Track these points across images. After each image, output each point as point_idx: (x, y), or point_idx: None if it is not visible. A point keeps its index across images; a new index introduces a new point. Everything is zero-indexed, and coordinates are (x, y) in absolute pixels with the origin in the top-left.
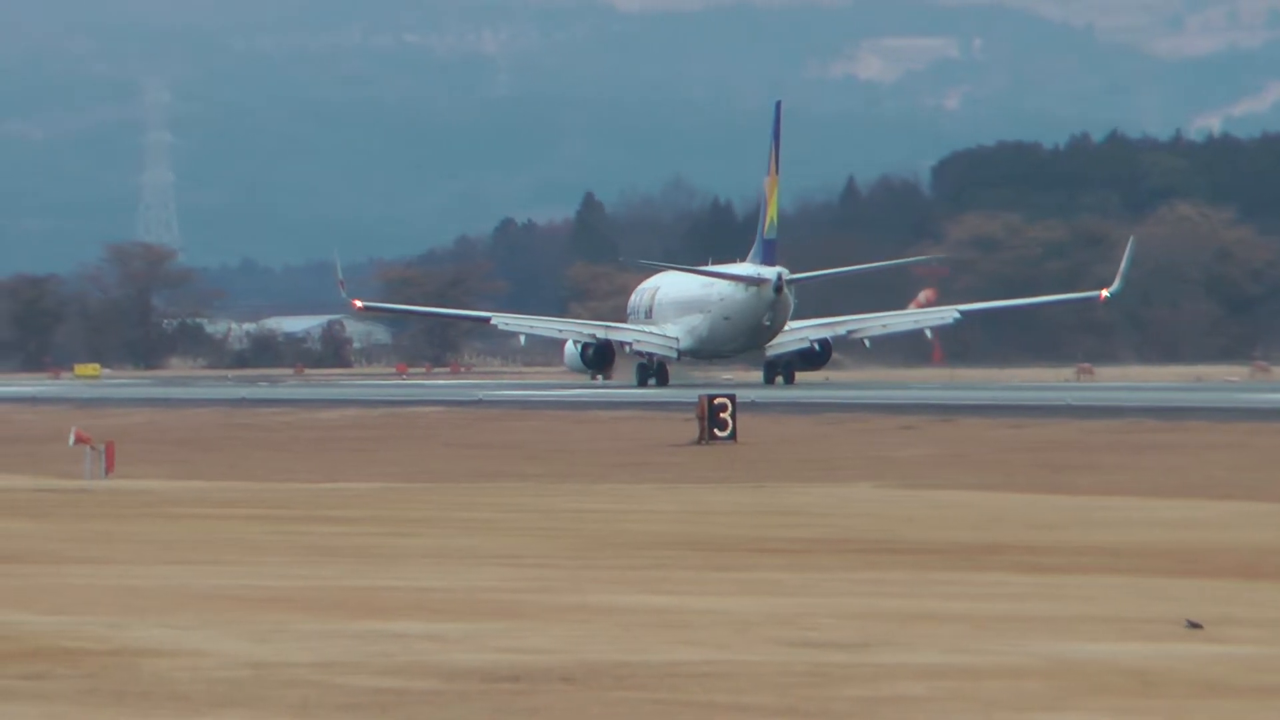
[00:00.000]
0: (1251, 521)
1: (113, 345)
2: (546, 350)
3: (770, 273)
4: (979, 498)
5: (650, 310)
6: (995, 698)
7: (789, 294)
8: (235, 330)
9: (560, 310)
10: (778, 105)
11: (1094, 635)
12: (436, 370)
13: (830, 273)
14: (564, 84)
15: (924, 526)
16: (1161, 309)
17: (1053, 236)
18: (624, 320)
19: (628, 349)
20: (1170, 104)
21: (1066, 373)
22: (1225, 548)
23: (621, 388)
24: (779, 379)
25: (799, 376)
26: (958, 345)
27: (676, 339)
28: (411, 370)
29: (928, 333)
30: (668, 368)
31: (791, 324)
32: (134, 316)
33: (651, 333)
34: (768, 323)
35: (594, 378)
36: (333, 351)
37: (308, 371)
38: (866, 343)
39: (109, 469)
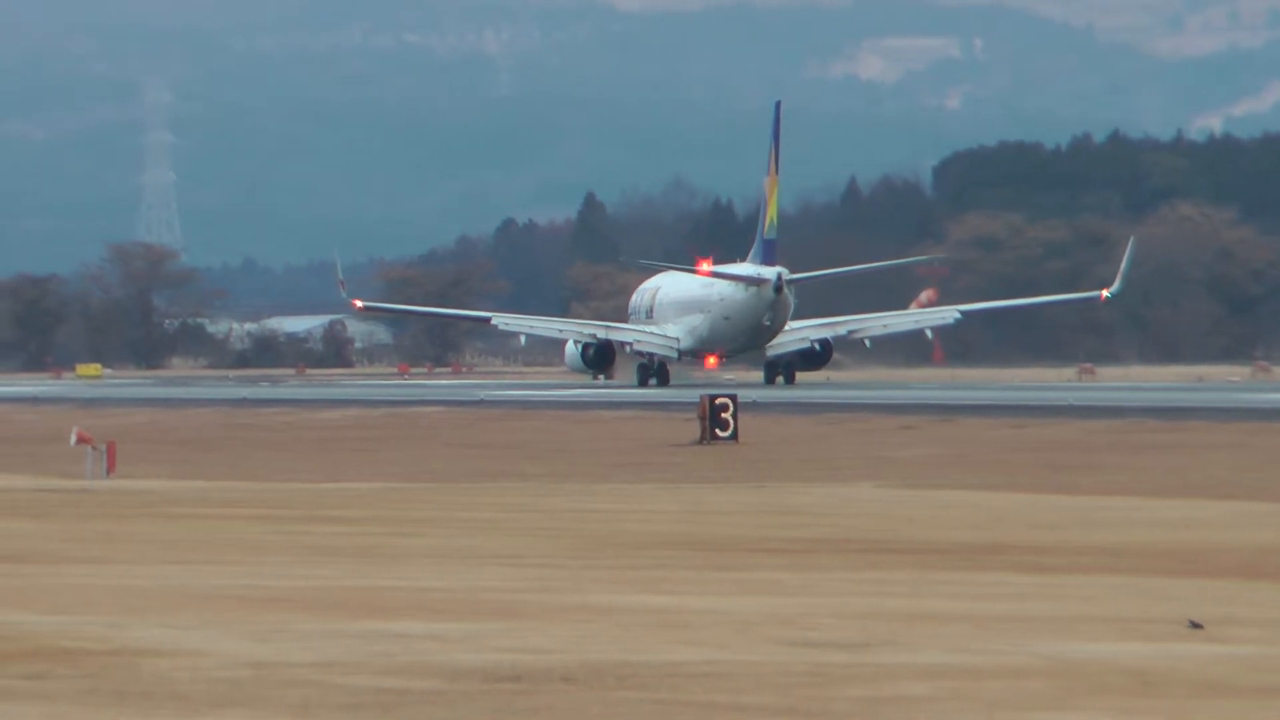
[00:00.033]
0: (1252, 521)
1: (114, 345)
2: (547, 350)
3: (770, 273)
4: (980, 498)
5: (651, 310)
6: (997, 698)
7: (789, 294)
8: (236, 330)
9: (562, 310)
10: (777, 105)
11: (1095, 635)
12: (438, 370)
13: (830, 273)
14: (565, 84)
15: (925, 526)
16: (1163, 309)
17: (1054, 236)
18: (625, 320)
19: (628, 349)
20: (1171, 104)
21: (1068, 373)
22: (1226, 548)
23: (622, 388)
24: (779, 379)
25: (799, 376)
26: (959, 345)
27: (677, 339)
28: (413, 370)
29: (928, 333)
30: (668, 368)
31: (792, 324)
32: (135, 316)
33: (652, 333)
34: (768, 323)
35: (595, 377)
36: (334, 351)
37: (309, 371)
38: (867, 343)
39: (110, 469)
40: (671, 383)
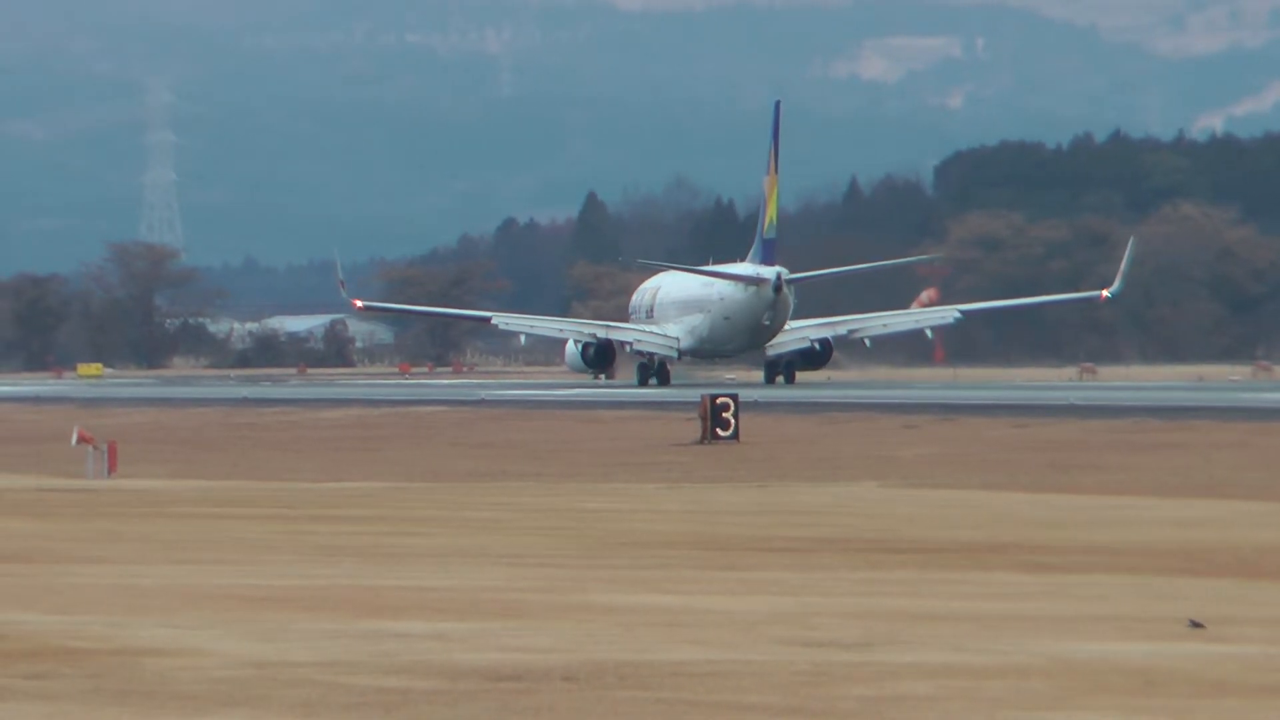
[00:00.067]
0: (1254, 521)
1: (115, 345)
2: (548, 350)
3: (769, 272)
4: (982, 497)
5: (651, 310)
6: (999, 697)
7: (788, 293)
8: (238, 330)
9: (563, 310)
10: (777, 105)
11: (1097, 634)
12: (439, 370)
13: (829, 272)
14: (567, 84)
15: (927, 526)
16: (1164, 309)
17: (1055, 236)
18: (627, 320)
19: (628, 349)
20: (1173, 104)
21: (1069, 372)
22: (1228, 547)
23: (623, 387)
24: (780, 378)
25: (800, 376)
26: (960, 344)
27: (677, 339)
28: (414, 370)
29: (928, 332)
30: (669, 367)
31: (792, 323)
32: (137, 316)
33: (652, 332)
34: (767, 322)
35: (596, 377)
36: (335, 351)
37: (310, 371)
38: (867, 342)
39: (112, 468)
40: (672, 382)
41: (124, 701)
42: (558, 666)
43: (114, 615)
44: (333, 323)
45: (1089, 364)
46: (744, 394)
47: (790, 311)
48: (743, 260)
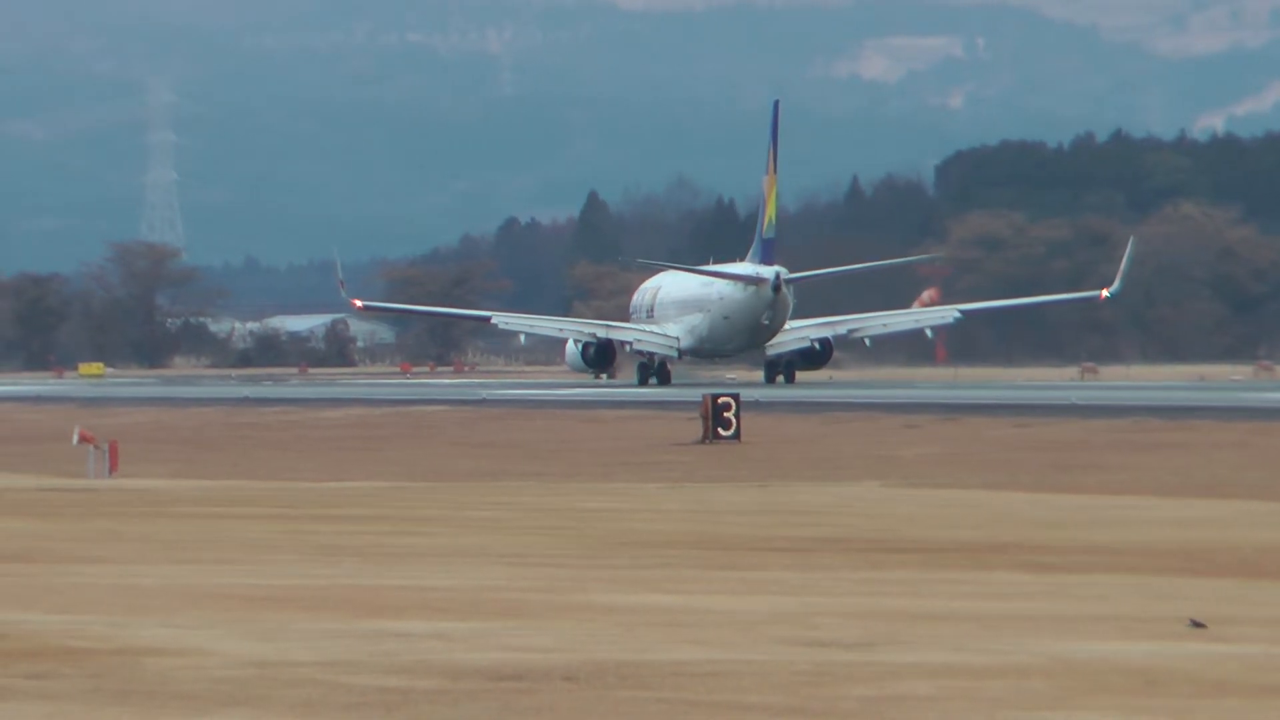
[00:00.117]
0: (1255, 521)
1: (117, 344)
2: (549, 349)
3: (768, 272)
4: (983, 497)
5: (652, 309)
6: (1000, 697)
7: (787, 293)
8: (239, 329)
9: (565, 309)
10: (776, 105)
11: (1098, 634)
12: (440, 369)
13: (828, 272)
14: (568, 83)
15: (928, 525)
16: (1165, 308)
17: (1057, 236)
18: (628, 319)
19: (628, 348)
20: (1174, 103)
21: (1071, 372)
22: (1229, 547)
23: (624, 387)
24: (780, 378)
25: (800, 376)
26: (961, 344)
27: (677, 338)
28: (415, 369)
29: (928, 332)
30: (669, 367)
31: (792, 323)
32: (138, 315)
33: (652, 332)
34: (766, 322)
35: (598, 376)
36: (336, 350)
37: (311, 370)
38: (867, 342)
39: (113, 468)
40: (673, 382)
41: (125, 701)
42: (559, 666)
43: (115, 615)
44: (334, 322)
45: (1090, 364)
46: (745, 394)
47: (790, 311)
48: (742, 260)
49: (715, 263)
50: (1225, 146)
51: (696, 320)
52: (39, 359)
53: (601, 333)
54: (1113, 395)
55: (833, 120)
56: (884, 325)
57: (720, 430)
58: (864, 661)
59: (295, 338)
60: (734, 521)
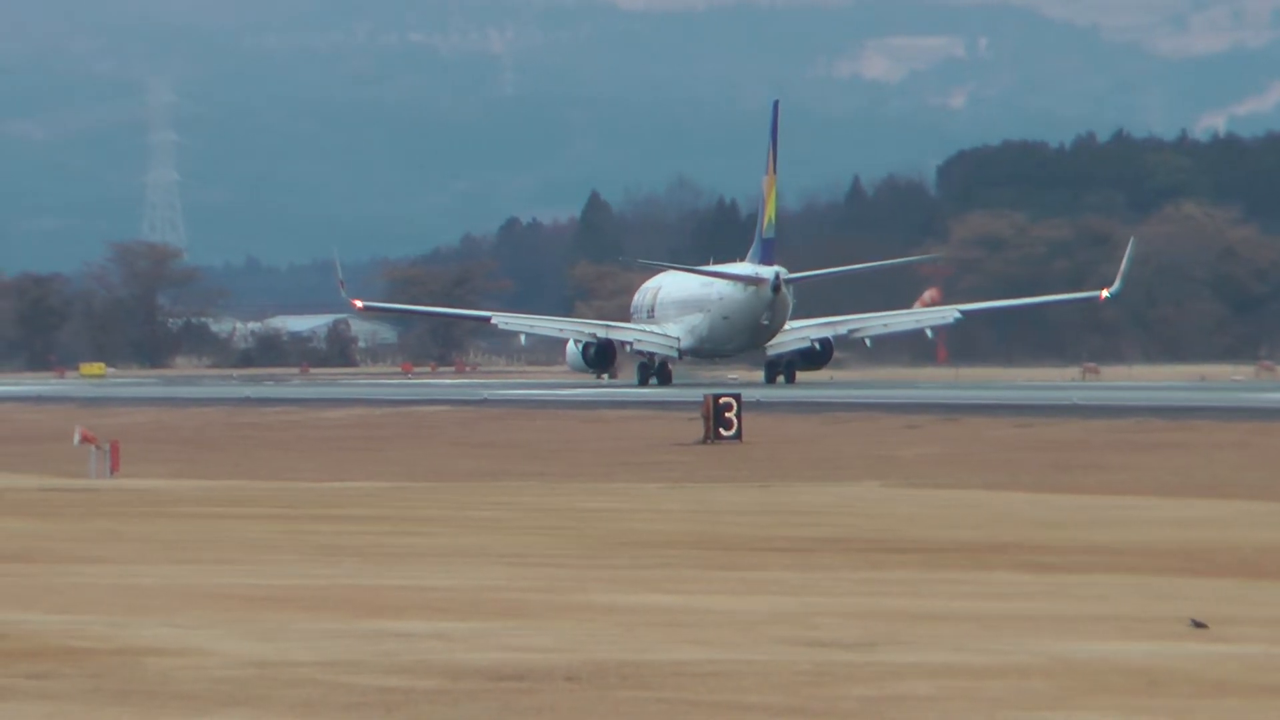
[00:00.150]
0: (1256, 521)
1: (118, 344)
2: (550, 349)
3: (768, 272)
4: (984, 497)
5: (652, 310)
6: (1000, 696)
7: (787, 293)
8: (240, 329)
9: (566, 309)
10: (775, 105)
11: (1098, 634)
12: (441, 369)
13: (827, 272)
14: (569, 83)
15: (928, 525)
16: (1166, 308)
17: (1058, 236)
18: (629, 320)
19: (628, 348)
20: (1175, 103)
21: (1072, 372)
22: (1230, 547)
23: (624, 387)
24: (780, 378)
25: (801, 376)
26: (963, 344)
27: (678, 338)
28: (416, 369)
29: (929, 332)
30: (669, 367)
31: (792, 323)
32: (139, 315)
33: (652, 332)
34: (766, 322)
35: (599, 376)
36: (338, 350)
37: (313, 371)
38: (867, 342)
39: (114, 468)
40: (674, 382)
41: (125, 701)
42: (559, 666)
43: (115, 615)
44: (335, 322)
45: (1092, 364)
46: (745, 394)
47: (789, 311)
48: (742, 260)
49: (715, 263)
50: (1226, 146)
51: (697, 320)
52: (40, 359)
53: (601, 333)
54: (1113, 395)
55: (833, 120)
56: (884, 325)
57: (722, 430)
58: (864, 661)
59: (297, 338)
60: (734, 521)
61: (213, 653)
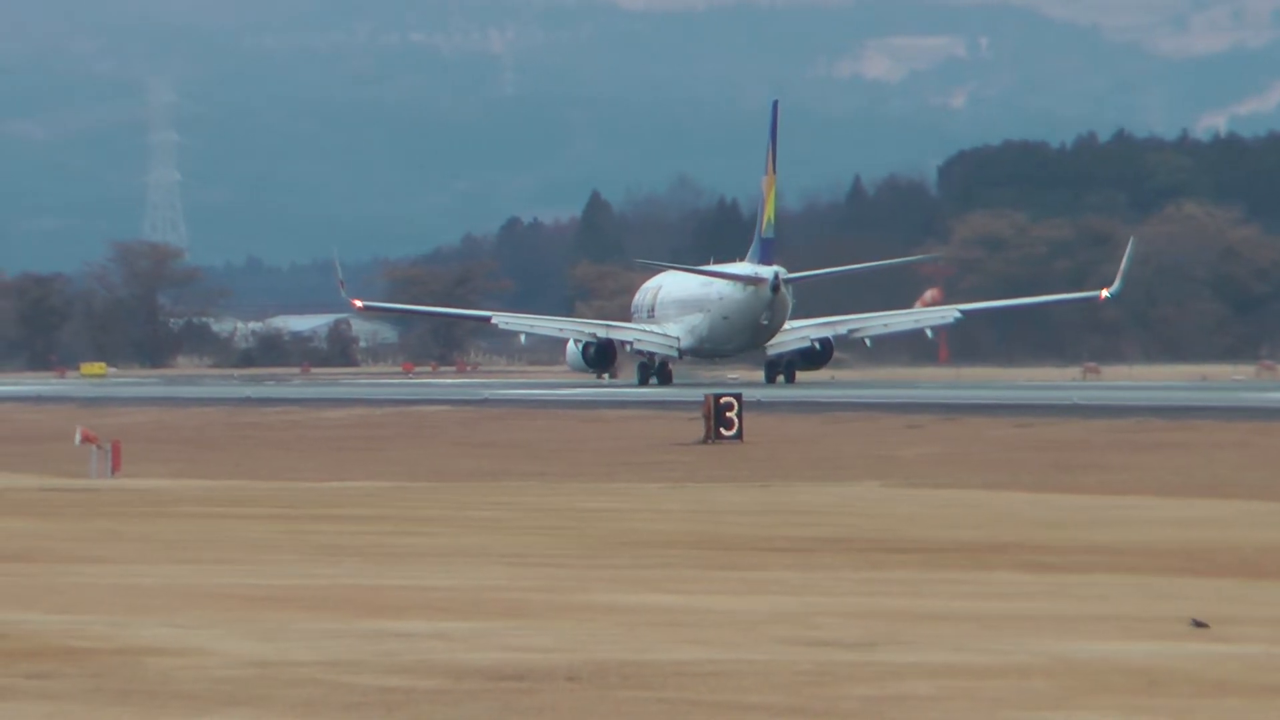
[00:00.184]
0: (1257, 520)
1: (119, 344)
2: (551, 349)
3: (767, 272)
4: (985, 497)
5: (653, 309)
6: (1001, 696)
7: (786, 293)
8: (241, 329)
9: (567, 309)
10: (774, 105)
11: (1099, 634)
12: (443, 369)
13: (827, 272)
14: (570, 83)
15: (929, 525)
16: (1167, 308)
17: (1059, 235)
18: (630, 319)
19: (628, 348)
20: (1176, 103)
21: (1073, 372)
22: (1230, 547)
23: (625, 387)
24: (780, 378)
25: (801, 376)
26: (963, 344)
27: (678, 338)
28: (417, 369)
29: (928, 332)
30: (670, 367)
31: (792, 323)
32: (140, 315)
33: (652, 332)
34: (765, 321)
35: (600, 376)
36: (339, 350)
37: (314, 370)
38: (867, 342)
39: (115, 468)
40: (674, 382)
41: (126, 701)
42: (560, 666)
43: (116, 615)
44: (336, 322)
45: (1092, 364)
46: (746, 394)
47: (789, 311)
48: (742, 260)
49: (715, 262)
50: (1227, 146)
51: (696, 320)
52: (41, 359)
53: (601, 333)
54: (1114, 395)
55: (834, 120)
56: (884, 325)
57: (723, 430)
58: (865, 661)
59: (298, 337)
60: (735, 521)
61: (213, 653)
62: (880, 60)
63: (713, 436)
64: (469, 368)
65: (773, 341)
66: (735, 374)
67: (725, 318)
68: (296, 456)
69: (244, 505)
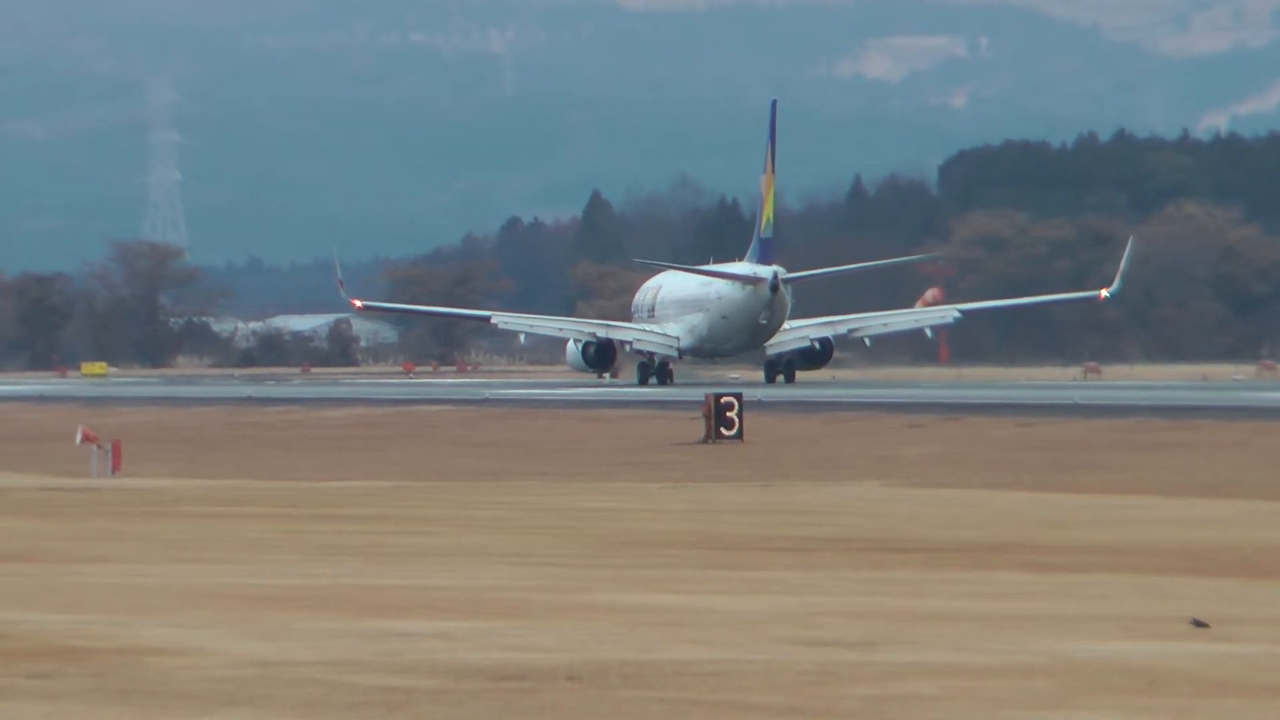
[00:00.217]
0: (1257, 520)
1: (120, 344)
2: (552, 349)
3: (766, 271)
4: (985, 496)
5: (653, 309)
6: (1002, 696)
7: (785, 293)
8: (242, 329)
9: (568, 309)
10: (773, 105)
11: (1100, 634)
12: (443, 369)
13: (826, 271)
14: (570, 83)
15: (930, 525)
16: (1168, 308)
17: (1059, 235)
18: (630, 319)
19: (628, 348)
20: (1176, 103)
21: (1074, 371)
22: (1231, 546)
23: (625, 386)
24: (780, 378)
25: (801, 375)
26: (964, 344)
27: (677, 338)
28: (418, 369)
29: (928, 332)
30: (670, 366)
31: (792, 323)
32: (141, 315)
33: (652, 331)
34: (764, 321)
35: (600, 376)
36: (339, 350)
37: (314, 370)
38: (867, 341)
39: (115, 467)
40: (675, 381)
41: (126, 701)
42: (561, 666)
43: (116, 614)
44: (337, 322)
45: (1093, 363)
46: (746, 393)
47: (788, 311)
48: (741, 260)
49: (715, 262)
50: (1228, 146)
51: (696, 320)
52: (42, 358)
53: (601, 332)
54: (1115, 395)
55: (835, 120)
56: (884, 325)
57: (723, 430)
58: (866, 661)
59: (298, 337)
60: (736, 521)
61: (214, 652)
62: (881, 60)
63: (713, 436)
64: (469, 367)
65: (772, 341)
66: (736, 373)
67: (724, 317)
68: (297, 456)
69: (244, 505)
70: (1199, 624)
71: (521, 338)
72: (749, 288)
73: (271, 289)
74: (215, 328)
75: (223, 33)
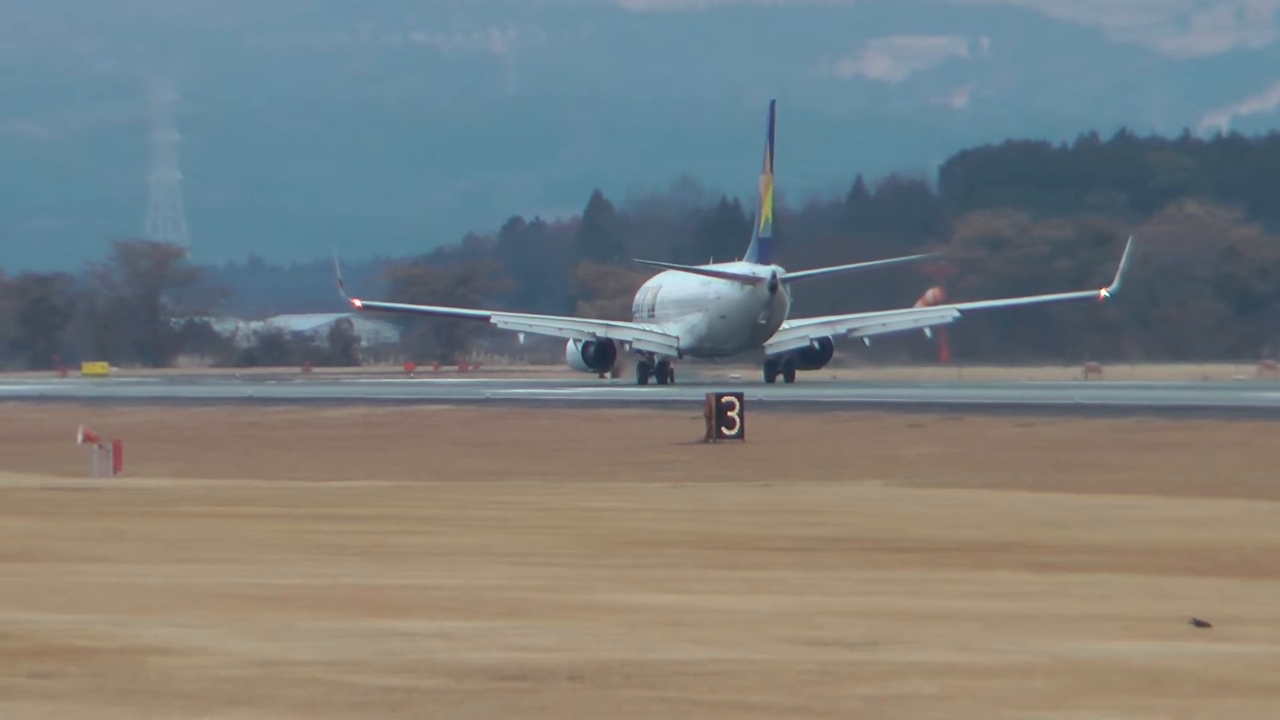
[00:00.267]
0: (1258, 520)
1: (121, 344)
2: (553, 349)
3: (765, 271)
4: (986, 496)
5: (653, 309)
6: (1002, 696)
7: (784, 292)
8: (243, 329)
9: (569, 309)
10: (772, 104)
11: (1101, 634)
12: (444, 368)
13: (826, 271)
14: (571, 83)
15: (930, 525)
16: (1169, 308)
17: (1060, 235)
18: (631, 319)
19: (628, 348)
20: (1178, 103)
21: (1075, 371)
22: (1232, 546)
23: (626, 386)
24: (779, 377)
25: (800, 375)
26: (965, 344)
27: (677, 338)
28: (419, 368)
29: (927, 331)
30: (670, 366)
31: (791, 322)
32: (142, 315)
33: (652, 331)
34: (763, 321)
35: (601, 375)
36: (341, 350)
37: (315, 370)
38: (866, 341)
39: (117, 467)
40: (675, 381)
41: (128, 700)
42: (562, 665)
43: (118, 614)
44: (338, 322)
45: (1094, 363)
46: (747, 393)
47: (787, 310)
48: (740, 259)
49: (715, 262)
50: (1229, 146)
51: (695, 320)
52: (43, 358)
53: (601, 332)
54: (1116, 395)
55: (835, 120)
56: (883, 325)
57: (724, 429)
58: (867, 661)
59: (299, 337)
60: (737, 521)
61: (216, 652)
62: (881, 60)
63: (714, 436)
64: (470, 367)
65: (772, 341)
66: (737, 373)
67: (723, 317)
68: (298, 456)
69: (246, 505)
70: (1200, 624)
71: (521, 337)
72: (747, 287)
73: (272, 289)
74: (216, 327)
75: (223, 32)
